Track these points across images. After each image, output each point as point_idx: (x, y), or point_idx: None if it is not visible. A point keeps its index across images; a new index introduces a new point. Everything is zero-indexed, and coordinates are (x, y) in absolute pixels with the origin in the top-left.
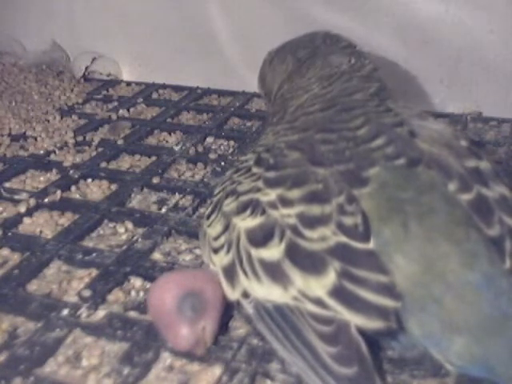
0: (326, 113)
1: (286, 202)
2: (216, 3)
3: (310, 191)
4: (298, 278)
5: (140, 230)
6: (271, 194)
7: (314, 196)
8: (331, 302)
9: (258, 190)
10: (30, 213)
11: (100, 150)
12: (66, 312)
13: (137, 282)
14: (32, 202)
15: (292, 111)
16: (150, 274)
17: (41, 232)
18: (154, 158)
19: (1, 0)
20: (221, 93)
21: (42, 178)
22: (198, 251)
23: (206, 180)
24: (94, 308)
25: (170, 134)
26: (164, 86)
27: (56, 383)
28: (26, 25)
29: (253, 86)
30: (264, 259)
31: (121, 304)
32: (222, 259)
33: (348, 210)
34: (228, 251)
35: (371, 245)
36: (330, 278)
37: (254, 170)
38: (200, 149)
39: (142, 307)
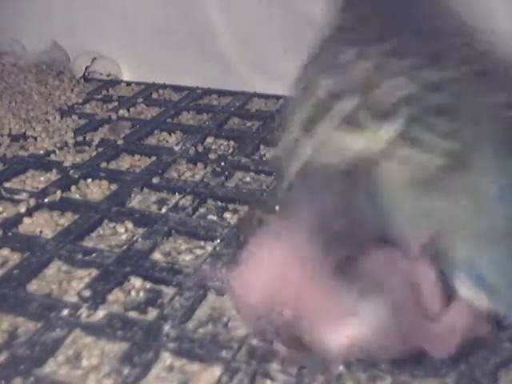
0: None
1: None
2: (216, 3)
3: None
4: None
5: (140, 230)
6: None
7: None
8: None
9: None
10: (30, 213)
11: (100, 150)
12: (66, 312)
13: (137, 282)
14: (32, 202)
15: None
16: (150, 274)
17: (41, 232)
18: (154, 158)
19: (1, 0)
20: (221, 93)
21: (42, 178)
22: (198, 251)
23: (205, 180)
24: (93, 308)
25: (169, 134)
26: (164, 86)
27: (56, 383)
28: (26, 25)
29: (253, 86)
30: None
31: (121, 304)
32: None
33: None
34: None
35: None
36: None
37: None
38: (200, 149)
39: (141, 307)
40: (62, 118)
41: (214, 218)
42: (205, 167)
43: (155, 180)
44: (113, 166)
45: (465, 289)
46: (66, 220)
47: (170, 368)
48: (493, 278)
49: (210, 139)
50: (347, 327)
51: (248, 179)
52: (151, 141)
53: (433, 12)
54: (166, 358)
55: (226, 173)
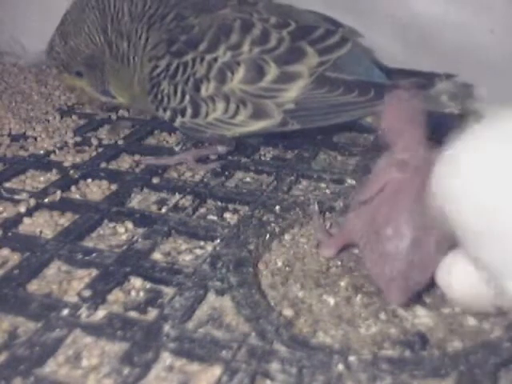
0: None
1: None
2: None
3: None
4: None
5: (140, 230)
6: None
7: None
8: None
9: (215, 59)
10: (30, 213)
11: (100, 150)
12: (66, 312)
13: (137, 282)
14: (32, 202)
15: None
16: (150, 274)
17: (41, 232)
18: None
19: (1, 0)
20: None
21: (42, 178)
22: (197, 251)
23: (205, 180)
24: (93, 308)
25: (169, 134)
26: None
27: (56, 383)
28: (26, 25)
29: None
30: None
31: (121, 304)
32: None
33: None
34: None
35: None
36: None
37: (186, 58)
38: None
39: (141, 307)
40: (61, 118)
41: (214, 218)
42: None
43: (155, 180)
44: (113, 165)
45: None
46: (65, 220)
47: (170, 368)
48: None
49: None
50: None
51: (248, 179)
52: (151, 141)
53: None
54: (166, 358)
55: (226, 173)
